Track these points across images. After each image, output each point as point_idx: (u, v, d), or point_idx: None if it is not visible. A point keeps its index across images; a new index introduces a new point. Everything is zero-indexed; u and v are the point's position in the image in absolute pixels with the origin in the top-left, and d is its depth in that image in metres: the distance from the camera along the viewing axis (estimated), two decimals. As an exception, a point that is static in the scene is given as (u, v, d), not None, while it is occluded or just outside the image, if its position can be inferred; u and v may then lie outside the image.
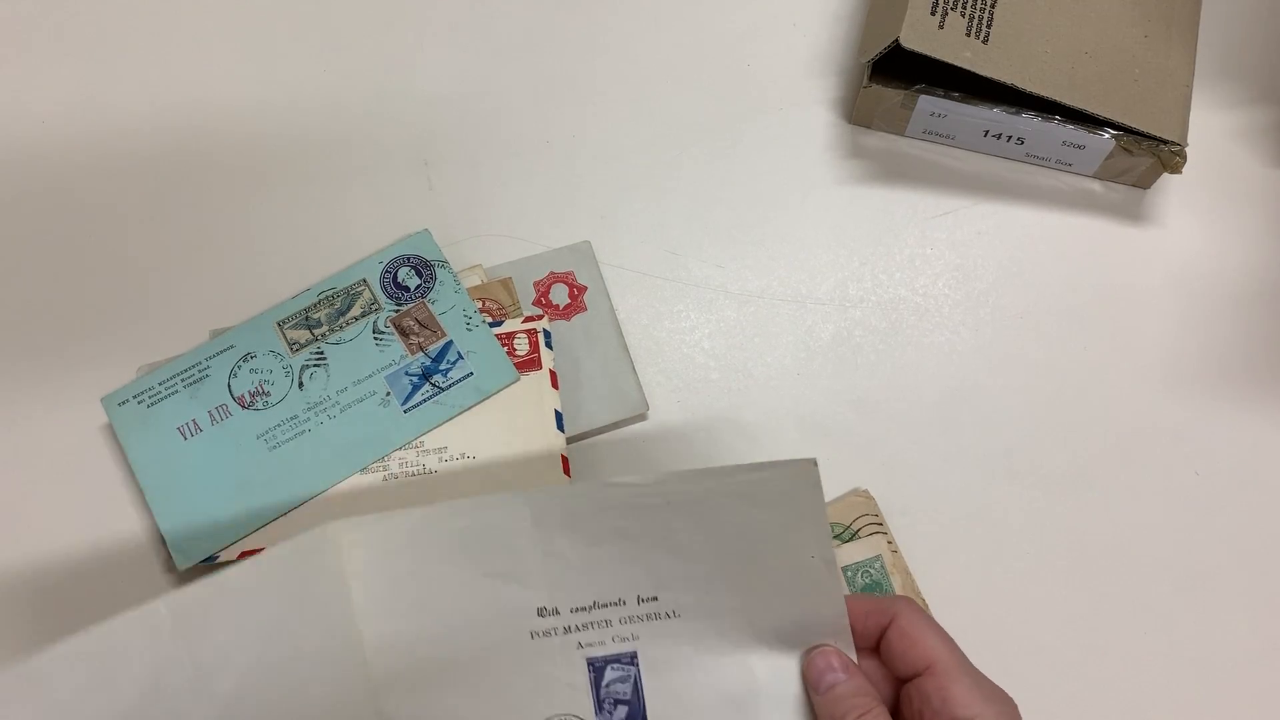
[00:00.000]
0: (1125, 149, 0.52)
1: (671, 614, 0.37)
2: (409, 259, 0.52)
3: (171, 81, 0.57)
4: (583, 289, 0.53)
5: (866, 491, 0.49)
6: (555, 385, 0.49)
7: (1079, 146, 0.53)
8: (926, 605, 0.47)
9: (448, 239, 0.53)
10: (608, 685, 0.37)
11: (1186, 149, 0.51)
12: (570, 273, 0.53)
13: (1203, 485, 0.50)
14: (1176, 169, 0.52)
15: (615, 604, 0.37)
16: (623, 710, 0.37)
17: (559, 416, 0.48)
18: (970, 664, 0.36)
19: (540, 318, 0.50)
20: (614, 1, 0.60)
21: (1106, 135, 0.52)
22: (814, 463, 0.35)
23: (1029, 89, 0.50)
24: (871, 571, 0.47)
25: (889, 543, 0.48)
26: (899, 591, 0.46)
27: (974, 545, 0.49)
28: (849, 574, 0.47)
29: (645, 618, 0.37)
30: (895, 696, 0.37)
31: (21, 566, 0.48)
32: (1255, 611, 0.48)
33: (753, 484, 0.36)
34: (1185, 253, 0.54)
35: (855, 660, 0.37)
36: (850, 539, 0.48)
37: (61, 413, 0.50)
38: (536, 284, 0.52)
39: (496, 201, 0.55)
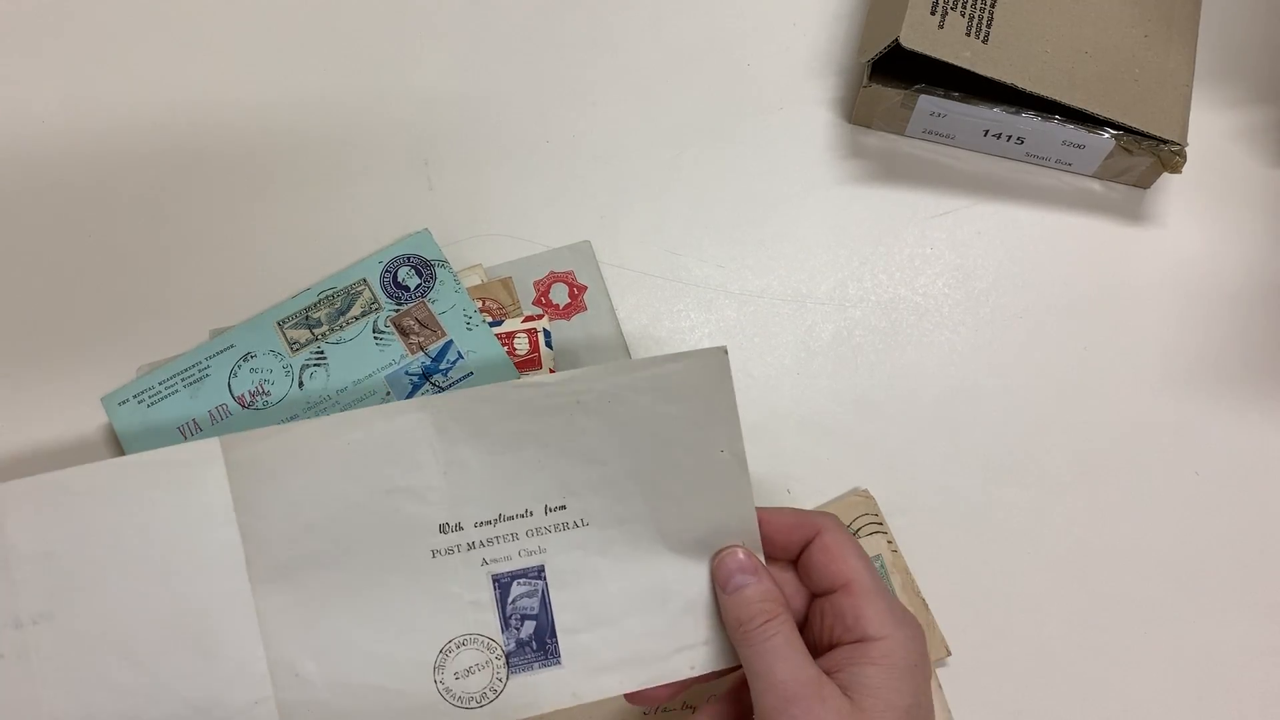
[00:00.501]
0: (1125, 149, 0.52)
1: (580, 523, 0.37)
2: (409, 258, 0.52)
3: (171, 81, 0.57)
4: (583, 288, 0.53)
5: (866, 491, 0.49)
6: (555, 385, 0.48)
7: (1079, 146, 0.53)
8: (926, 605, 0.47)
9: (448, 239, 0.53)
10: (514, 601, 0.36)
11: (1186, 149, 0.51)
12: (570, 272, 0.53)
13: (1203, 485, 0.50)
14: (1176, 169, 0.52)
15: (522, 515, 0.36)
16: (530, 625, 0.36)
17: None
18: (885, 587, 0.36)
19: (540, 317, 0.50)
20: (614, 1, 0.60)
21: (1106, 135, 0.52)
22: (724, 351, 0.36)
23: (1029, 89, 0.50)
24: (871, 571, 0.47)
25: (889, 542, 0.48)
26: (899, 590, 0.46)
27: (974, 545, 0.49)
28: (849, 574, 0.47)
29: (553, 528, 0.36)
30: (805, 612, 0.37)
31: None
32: (1255, 611, 0.48)
33: (662, 377, 0.36)
34: (1185, 252, 0.54)
35: (763, 562, 0.37)
36: (850, 539, 0.48)
37: (62, 412, 0.50)
38: (536, 284, 0.52)
39: (496, 201, 0.55)
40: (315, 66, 0.58)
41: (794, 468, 0.50)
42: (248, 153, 0.56)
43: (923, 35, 0.50)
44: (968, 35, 0.51)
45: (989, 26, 0.51)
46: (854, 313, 0.53)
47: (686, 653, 0.37)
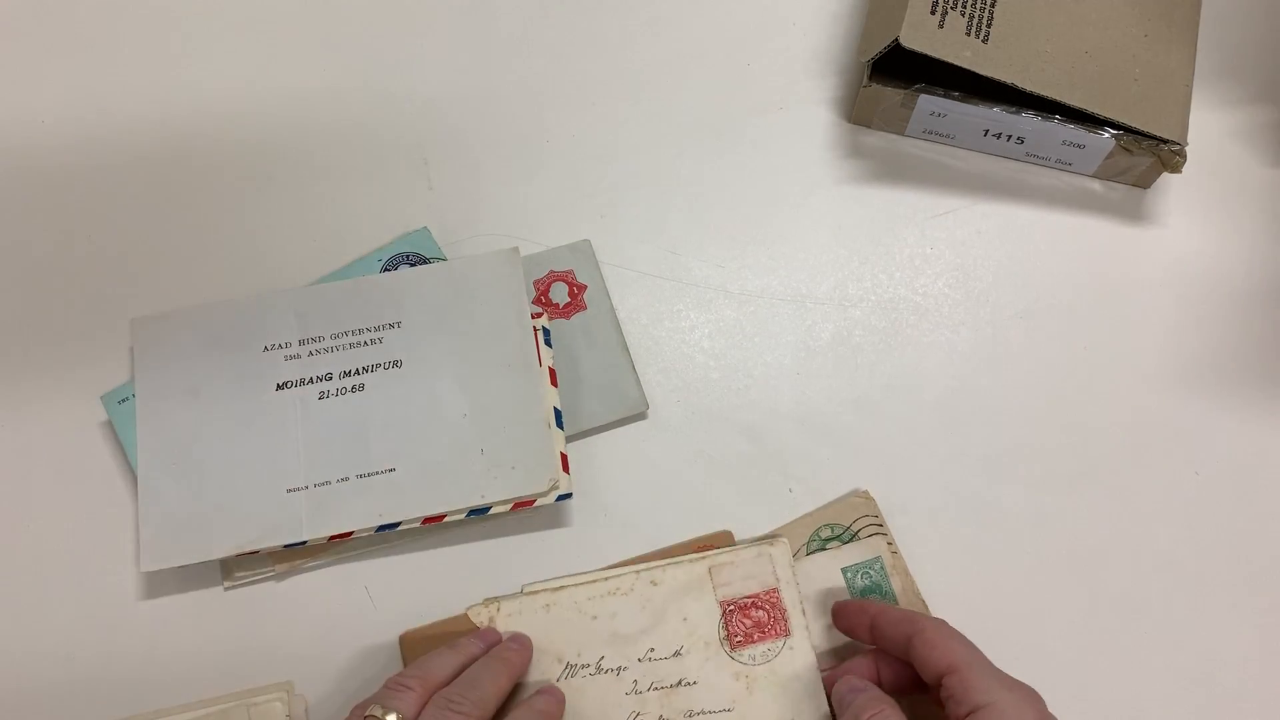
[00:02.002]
0: (1125, 148, 0.52)
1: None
2: (408, 257, 0.52)
3: (171, 81, 0.57)
4: (583, 288, 0.53)
5: (867, 493, 0.49)
6: (555, 383, 0.48)
7: (1079, 146, 0.53)
8: (926, 606, 0.47)
9: (448, 238, 0.53)
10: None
11: (1186, 148, 0.51)
12: (570, 271, 0.53)
13: (1203, 485, 0.50)
14: (1176, 168, 0.52)
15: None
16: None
17: (558, 414, 0.48)
18: (992, 665, 0.38)
19: (540, 316, 0.50)
20: (614, 1, 0.60)
21: (1106, 135, 0.52)
22: (516, 250, 0.50)
23: (1029, 88, 0.50)
24: (871, 573, 0.47)
25: (889, 544, 0.48)
26: (899, 593, 0.46)
27: (974, 545, 0.49)
28: (849, 575, 0.47)
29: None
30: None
31: (20, 565, 0.48)
32: (1255, 611, 0.48)
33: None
34: (1185, 252, 0.54)
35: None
36: (850, 540, 0.48)
37: (61, 410, 0.50)
38: (536, 283, 0.52)
39: (496, 201, 0.55)
40: (316, 66, 0.58)
41: (794, 468, 0.50)
42: (248, 152, 0.56)
43: (923, 35, 0.50)
44: (968, 35, 0.51)
45: (989, 26, 0.51)
46: (854, 313, 0.53)
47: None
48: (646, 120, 0.57)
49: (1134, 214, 0.55)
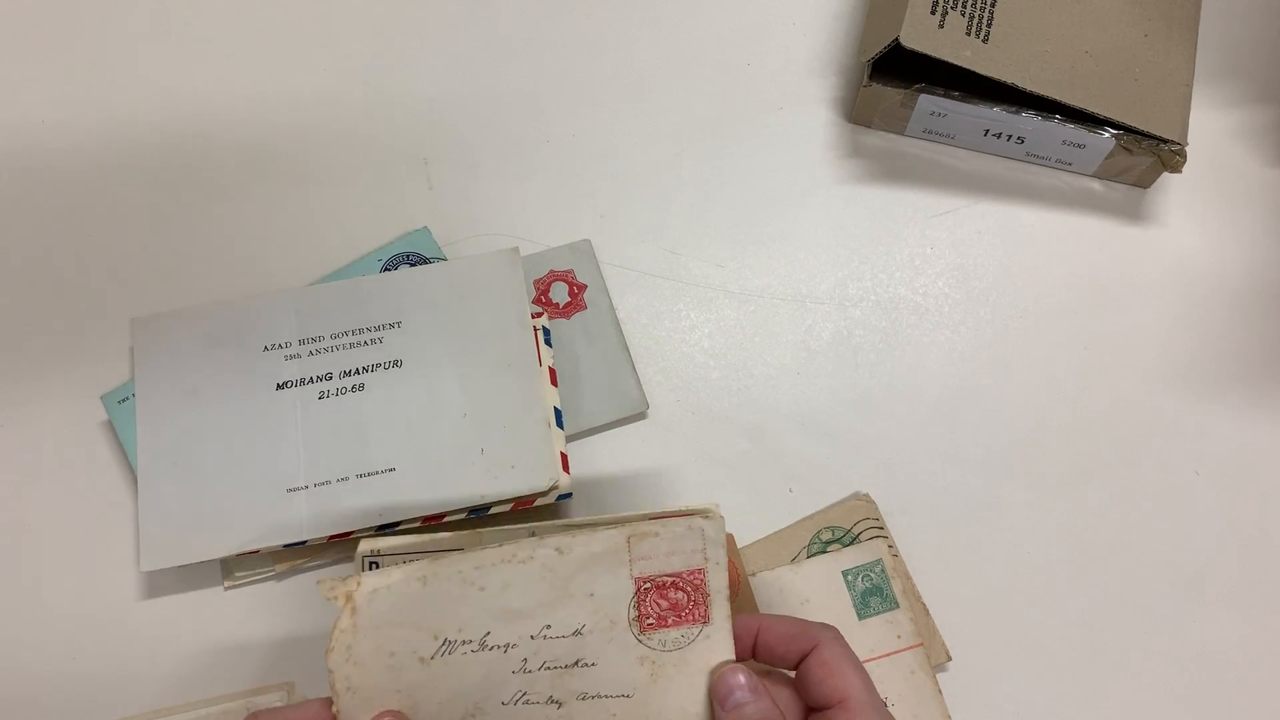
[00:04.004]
0: (1125, 148, 0.52)
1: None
2: (408, 256, 0.52)
3: (171, 81, 0.57)
4: (582, 287, 0.53)
5: (868, 495, 0.49)
6: (555, 383, 0.48)
7: (1079, 146, 0.53)
8: (927, 609, 0.47)
9: (448, 238, 0.53)
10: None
11: (1186, 148, 0.51)
12: (570, 271, 0.53)
13: (1203, 485, 0.50)
14: (1176, 168, 0.52)
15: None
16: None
17: (559, 414, 0.48)
18: (882, 705, 0.36)
19: (540, 316, 0.50)
20: (614, 1, 0.60)
21: (1106, 134, 0.52)
22: (516, 250, 0.50)
23: (1029, 88, 0.50)
24: (872, 575, 0.47)
25: (889, 546, 0.47)
26: (899, 595, 0.46)
27: (974, 545, 0.49)
28: (849, 578, 0.47)
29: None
30: None
31: (20, 565, 0.48)
32: (1255, 611, 0.48)
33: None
34: (1185, 252, 0.54)
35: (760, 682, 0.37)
36: (851, 543, 0.48)
37: (61, 409, 0.50)
38: (536, 282, 0.52)
39: (496, 200, 0.55)
40: (315, 66, 0.58)
41: (794, 468, 0.50)
42: (248, 152, 0.56)
43: (923, 35, 0.50)
44: (968, 35, 0.51)
45: (989, 26, 0.51)
46: (854, 313, 0.53)
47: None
48: (646, 120, 0.57)
49: (1134, 214, 0.55)
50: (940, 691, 0.45)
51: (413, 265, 0.52)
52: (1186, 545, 0.49)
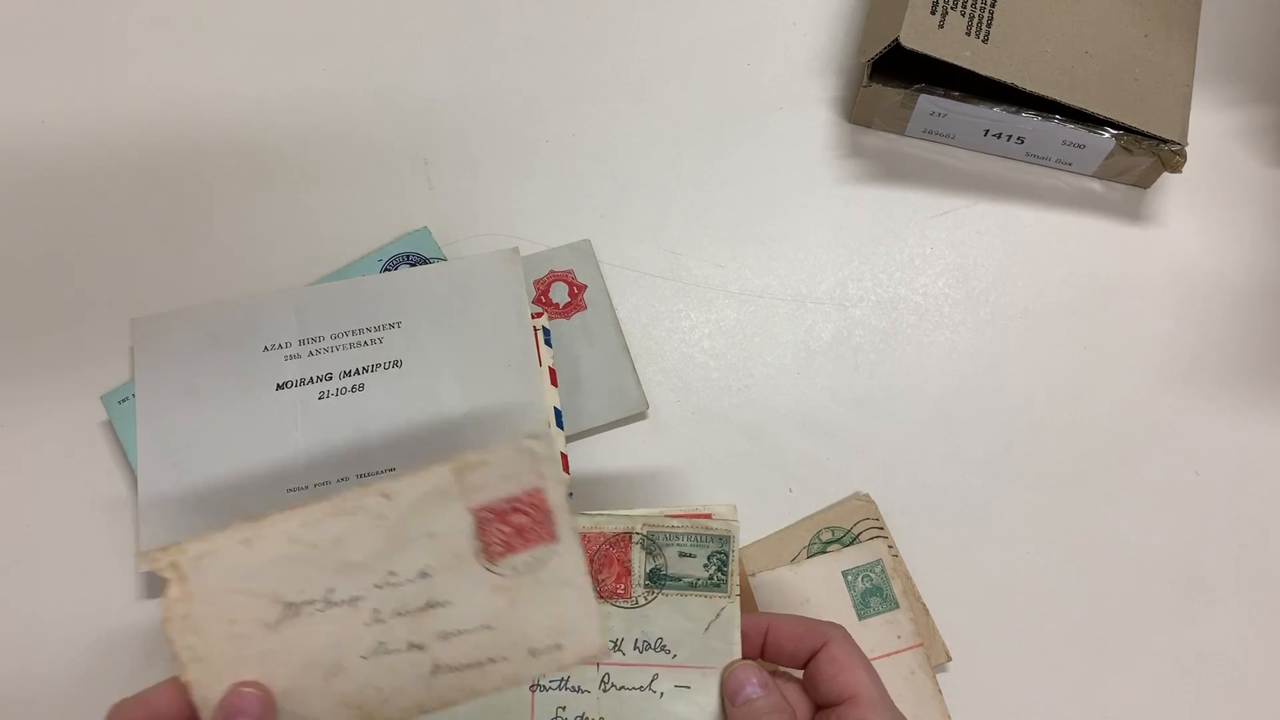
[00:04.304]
0: (1125, 148, 0.52)
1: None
2: (408, 256, 0.52)
3: (171, 81, 0.57)
4: (582, 287, 0.53)
5: (868, 496, 0.49)
6: (555, 383, 0.48)
7: (1079, 146, 0.53)
8: (927, 609, 0.47)
9: (448, 238, 0.53)
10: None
11: (1186, 148, 0.51)
12: (570, 271, 0.53)
13: (1203, 485, 0.50)
14: (1176, 168, 0.52)
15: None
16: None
17: (559, 414, 0.48)
18: (890, 702, 0.36)
19: (540, 316, 0.50)
20: (614, 1, 0.60)
21: (1106, 135, 0.52)
22: (516, 250, 0.50)
23: (1029, 88, 0.50)
24: (872, 575, 0.46)
25: (889, 547, 0.47)
26: (899, 595, 0.46)
27: (974, 545, 0.49)
28: (849, 578, 0.46)
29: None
30: None
31: (20, 565, 0.48)
32: (1255, 611, 0.48)
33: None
34: (1185, 252, 0.54)
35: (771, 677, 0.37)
36: (851, 543, 0.48)
37: (61, 410, 0.50)
38: (536, 282, 0.52)
39: (496, 200, 0.55)
40: (315, 66, 0.58)
41: (794, 468, 0.50)
42: (248, 152, 0.56)
43: (923, 35, 0.50)
44: (968, 35, 0.51)
45: (989, 26, 0.51)
46: (854, 313, 0.53)
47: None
48: (646, 120, 0.57)
49: (1134, 214, 0.55)
50: (940, 691, 0.45)
51: (413, 265, 0.52)
52: (1186, 545, 0.49)
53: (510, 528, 0.37)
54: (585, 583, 0.37)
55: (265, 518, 0.36)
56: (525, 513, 0.37)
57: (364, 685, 0.36)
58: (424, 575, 0.36)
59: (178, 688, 0.34)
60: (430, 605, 0.36)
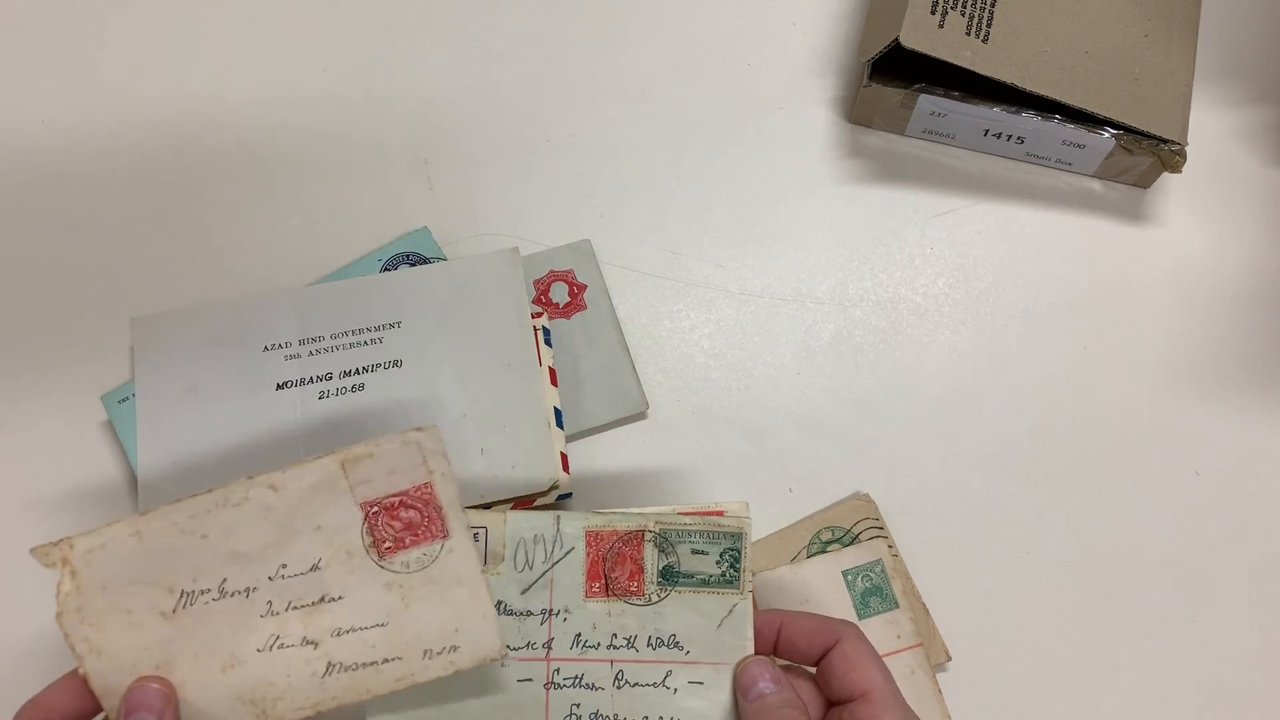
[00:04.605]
0: (1125, 148, 0.52)
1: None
2: (408, 256, 0.52)
3: (171, 81, 0.57)
4: (582, 287, 0.53)
5: (868, 495, 0.49)
6: (555, 383, 0.48)
7: (1079, 146, 0.53)
8: (927, 609, 0.47)
9: (448, 238, 0.53)
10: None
11: (1186, 148, 0.51)
12: (570, 271, 0.53)
13: (1203, 485, 0.50)
14: (1176, 168, 0.52)
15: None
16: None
17: (558, 414, 0.48)
18: (903, 699, 0.36)
19: (540, 316, 0.50)
20: (614, 1, 0.60)
21: (1106, 134, 0.52)
22: (516, 250, 0.50)
23: (1029, 88, 0.50)
24: (872, 575, 0.47)
25: (889, 546, 0.47)
26: (899, 595, 0.46)
27: (974, 545, 0.49)
28: (849, 577, 0.46)
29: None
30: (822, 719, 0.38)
31: (20, 565, 0.48)
32: (1255, 611, 0.48)
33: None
34: (1185, 252, 0.54)
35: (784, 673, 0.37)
36: (851, 543, 0.48)
37: (62, 410, 0.50)
38: (536, 282, 0.52)
39: (496, 200, 0.55)
40: (315, 66, 0.58)
41: (794, 468, 0.50)
42: (248, 152, 0.56)
43: (923, 35, 0.50)
44: (968, 35, 0.51)
45: (989, 26, 0.51)
46: (854, 313, 0.53)
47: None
48: (646, 120, 0.57)
49: (1134, 214, 0.55)
50: (940, 691, 0.45)
51: (413, 265, 0.52)
52: (1186, 545, 0.49)
53: (400, 523, 0.37)
54: (480, 581, 0.37)
55: (155, 510, 0.36)
56: (414, 508, 0.37)
57: (259, 681, 0.36)
58: (316, 569, 0.36)
59: (75, 682, 0.35)
60: (324, 600, 0.36)
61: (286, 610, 0.36)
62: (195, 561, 0.36)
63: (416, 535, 0.37)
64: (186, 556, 0.36)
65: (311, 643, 0.36)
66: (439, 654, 0.36)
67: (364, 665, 0.36)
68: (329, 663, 0.36)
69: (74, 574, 0.35)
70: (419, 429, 0.37)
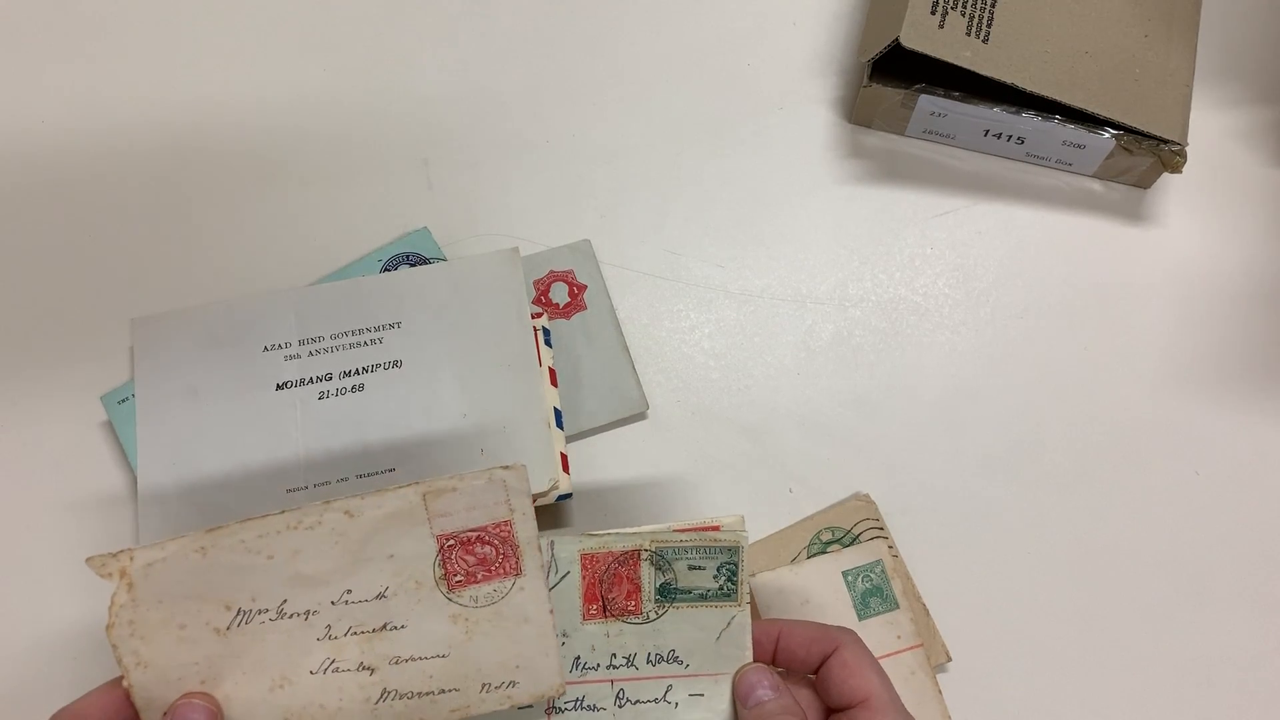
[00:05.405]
0: (1125, 149, 0.52)
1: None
2: (408, 256, 0.52)
3: (171, 81, 0.57)
4: (582, 287, 0.53)
5: (868, 496, 0.49)
6: (555, 383, 0.48)
7: (1079, 146, 0.53)
8: (927, 609, 0.47)
9: (448, 238, 0.53)
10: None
11: (1186, 149, 0.51)
12: (570, 271, 0.53)
13: (1203, 485, 0.50)
14: (1176, 169, 0.52)
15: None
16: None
17: (558, 414, 0.48)
18: (902, 705, 0.36)
19: (540, 316, 0.50)
20: (614, 1, 0.60)
21: (1107, 135, 0.52)
22: (516, 250, 0.50)
23: (1029, 88, 0.50)
24: (872, 576, 0.47)
25: (889, 547, 0.47)
26: (899, 595, 0.46)
27: (974, 545, 0.49)
28: (849, 578, 0.46)
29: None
30: None
31: (20, 565, 0.48)
32: (1255, 611, 0.48)
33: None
34: (1185, 252, 0.54)
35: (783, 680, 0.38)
36: (851, 543, 0.48)
37: (61, 410, 0.50)
38: (536, 283, 0.52)
39: (496, 201, 0.55)
40: (316, 66, 0.58)
41: (795, 468, 0.50)
42: (248, 152, 0.56)
43: (923, 35, 0.50)
44: (968, 35, 0.51)
45: (989, 26, 0.51)
46: (854, 313, 0.53)
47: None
48: (646, 120, 0.57)
49: (1134, 214, 0.55)
50: (940, 692, 0.45)
51: (413, 265, 0.52)
52: (1186, 545, 0.49)
53: (474, 558, 0.37)
54: (547, 620, 0.37)
55: (224, 527, 0.35)
56: (491, 544, 0.37)
57: (309, 703, 0.36)
58: (381, 596, 0.36)
59: (114, 694, 0.34)
60: (386, 627, 0.36)
61: (346, 635, 0.36)
62: (257, 581, 0.36)
63: (490, 571, 0.37)
64: (249, 576, 0.36)
65: (368, 668, 0.36)
66: (497, 688, 0.36)
67: (420, 694, 0.36)
68: (384, 689, 0.36)
69: (131, 586, 0.35)
70: (506, 466, 0.36)
